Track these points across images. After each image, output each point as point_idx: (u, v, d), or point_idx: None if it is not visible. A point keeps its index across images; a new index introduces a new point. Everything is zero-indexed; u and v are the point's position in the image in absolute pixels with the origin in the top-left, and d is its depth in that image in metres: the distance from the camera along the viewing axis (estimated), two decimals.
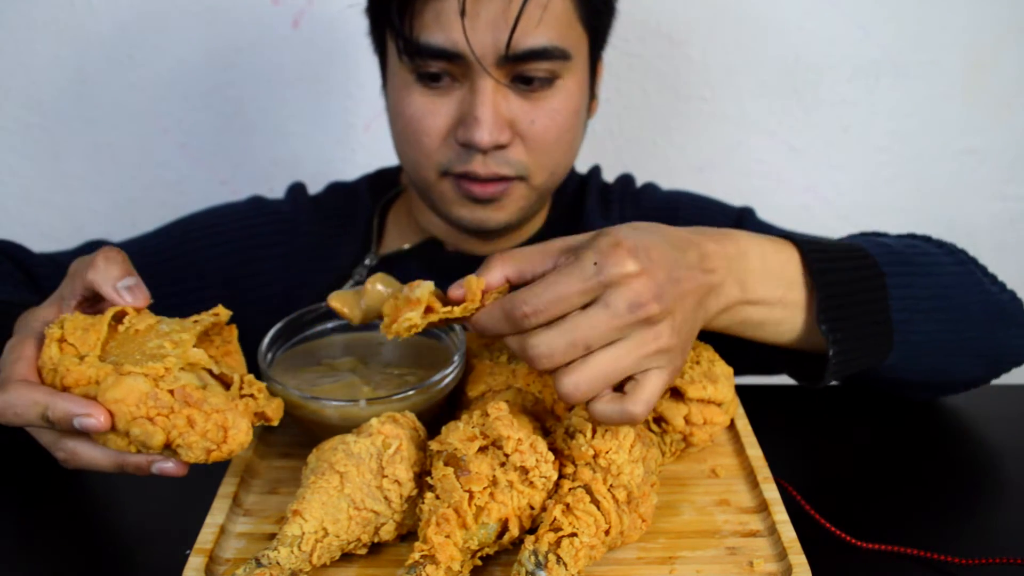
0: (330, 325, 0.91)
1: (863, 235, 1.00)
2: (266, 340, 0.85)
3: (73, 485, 0.87)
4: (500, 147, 1.00)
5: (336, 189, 1.25)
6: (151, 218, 1.63)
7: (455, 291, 0.71)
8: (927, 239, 1.01)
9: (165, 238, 1.19)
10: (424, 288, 0.71)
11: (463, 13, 0.94)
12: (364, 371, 0.85)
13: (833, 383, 0.98)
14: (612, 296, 0.66)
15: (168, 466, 0.68)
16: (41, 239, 1.65)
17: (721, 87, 1.64)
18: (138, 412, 0.65)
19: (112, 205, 1.70)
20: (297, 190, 1.25)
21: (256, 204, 1.23)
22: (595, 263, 0.67)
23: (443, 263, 1.15)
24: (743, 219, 1.21)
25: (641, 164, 1.66)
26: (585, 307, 0.67)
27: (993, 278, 0.98)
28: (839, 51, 1.62)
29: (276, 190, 1.66)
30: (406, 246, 1.17)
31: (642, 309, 0.66)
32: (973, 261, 0.99)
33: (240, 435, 0.67)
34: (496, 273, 0.71)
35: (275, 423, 0.72)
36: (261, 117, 1.66)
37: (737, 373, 0.95)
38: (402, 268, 1.14)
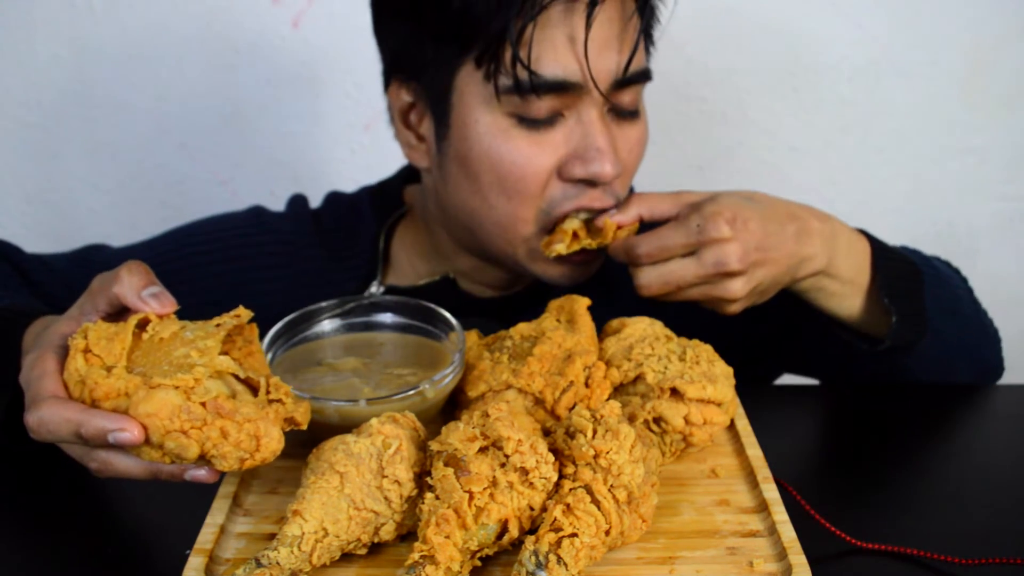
0: (330, 326, 0.91)
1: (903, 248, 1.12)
2: (266, 340, 0.85)
3: (74, 486, 0.87)
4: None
5: (337, 204, 1.20)
6: (151, 218, 1.64)
7: (598, 223, 0.94)
8: (937, 259, 1.15)
9: (162, 248, 1.16)
10: (571, 223, 0.96)
11: (587, 40, 0.91)
12: (364, 371, 0.85)
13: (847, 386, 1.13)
14: (705, 253, 0.88)
15: (201, 473, 0.69)
16: (41, 239, 1.66)
17: (721, 87, 1.64)
18: (172, 425, 0.65)
19: (112, 205, 1.70)
20: (298, 203, 1.20)
21: (256, 219, 1.18)
22: (698, 225, 0.88)
23: (454, 303, 1.08)
24: None
25: (641, 164, 1.66)
26: (686, 255, 0.89)
27: (979, 303, 1.13)
28: (839, 51, 1.62)
29: (276, 191, 1.67)
30: (420, 283, 1.14)
31: (724, 267, 0.87)
32: (968, 281, 1.15)
33: (272, 443, 0.68)
34: (632, 213, 0.94)
35: (304, 427, 0.73)
36: (261, 117, 1.66)
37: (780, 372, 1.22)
38: None
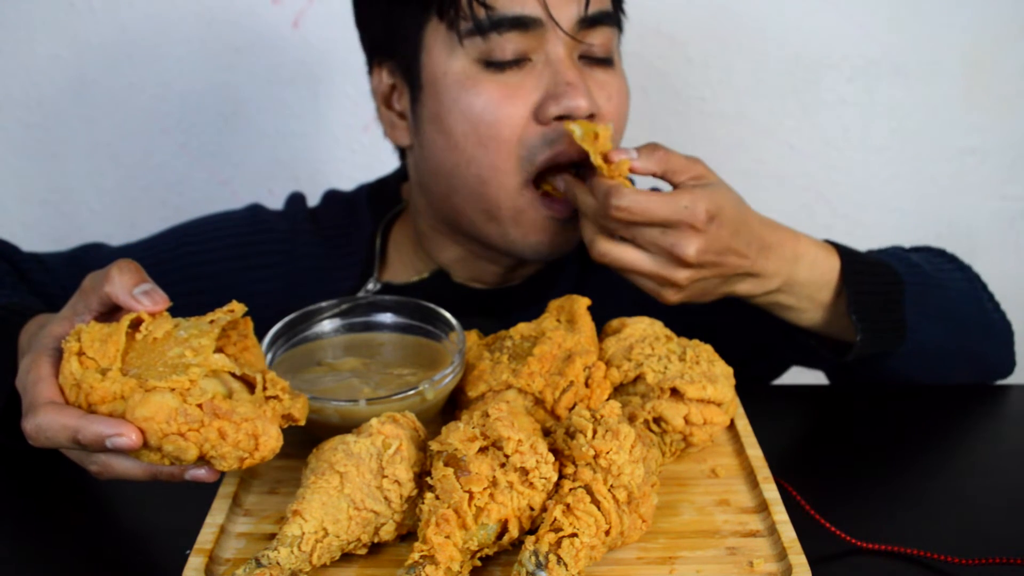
0: (330, 326, 0.91)
1: (894, 249, 1.11)
2: (266, 340, 0.85)
3: (75, 486, 0.87)
4: (590, 118, 0.97)
5: (334, 201, 1.20)
6: (151, 218, 1.64)
7: (615, 156, 0.90)
8: (942, 252, 1.13)
9: (159, 246, 1.16)
10: (605, 134, 0.93)
11: None
12: (364, 371, 0.85)
13: (846, 378, 1.15)
14: (670, 232, 0.87)
15: (201, 473, 0.69)
16: (41, 239, 1.66)
17: (721, 87, 1.64)
18: (169, 429, 0.65)
19: (112, 205, 1.70)
20: (296, 202, 1.20)
21: (254, 217, 1.18)
22: (685, 206, 0.87)
23: (449, 297, 1.08)
24: None
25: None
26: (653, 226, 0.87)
27: (991, 296, 1.10)
28: (839, 51, 1.62)
29: (276, 191, 1.67)
30: (414, 278, 1.14)
31: (680, 251, 0.87)
32: (978, 278, 1.12)
33: (271, 441, 0.68)
34: (651, 166, 0.91)
35: (303, 423, 0.72)
36: (261, 117, 1.66)
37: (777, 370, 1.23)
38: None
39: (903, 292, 0.99)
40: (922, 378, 1.06)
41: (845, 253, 0.98)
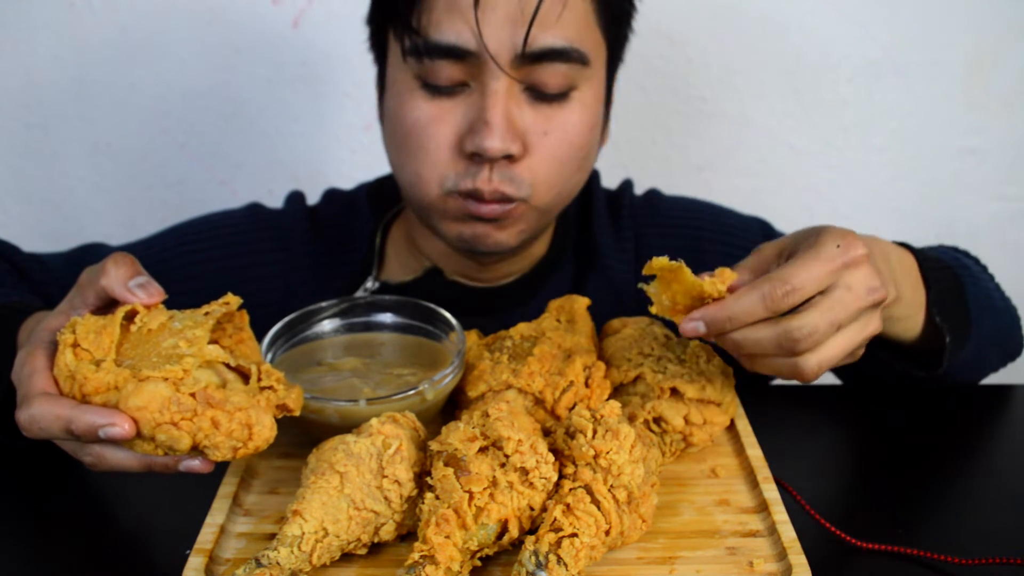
0: (330, 326, 0.91)
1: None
2: (266, 340, 0.85)
3: (74, 485, 0.87)
4: (509, 158, 0.94)
5: (334, 200, 1.20)
6: (151, 218, 1.64)
7: (703, 276, 0.74)
8: (954, 248, 1.12)
9: (159, 245, 1.16)
10: (684, 268, 0.74)
11: (476, 6, 0.88)
12: (364, 371, 0.85)
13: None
14: (851, 278, 0.71)
15: (195, 464, 0.68)
16: (41, 239, 1.66)
17: (721, 87, 1.64)
18: (162, 418, 0.65)
19: (112, 205, 1.71)
20: (296, 200, 1.21)
21: (253, 215, 1.18)
22: (837, 245, 0.71)
23: (443, 294, 1.09)
24: (767, 230, 1.20)
25: (640, 164, 1.66)
26: (824, 292, 0.71)
27: (1000, 286, 1.10)
28: (839, 51, 1.62)
29: (275, 191, 1.67)
30: (409, 277, 1.13)
31: (876, 293, 0.73)
32: (987, 269, 1.12)
33: (265, 431, 0.68)
34: (745, 275, 0.75)
35: (297, 413, 0.73)
36: (261, 117, 1.66)
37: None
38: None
39: (964, 286, 0.95)
40: (964, 376, 1.03)
41: (912, 249, 0.92)
